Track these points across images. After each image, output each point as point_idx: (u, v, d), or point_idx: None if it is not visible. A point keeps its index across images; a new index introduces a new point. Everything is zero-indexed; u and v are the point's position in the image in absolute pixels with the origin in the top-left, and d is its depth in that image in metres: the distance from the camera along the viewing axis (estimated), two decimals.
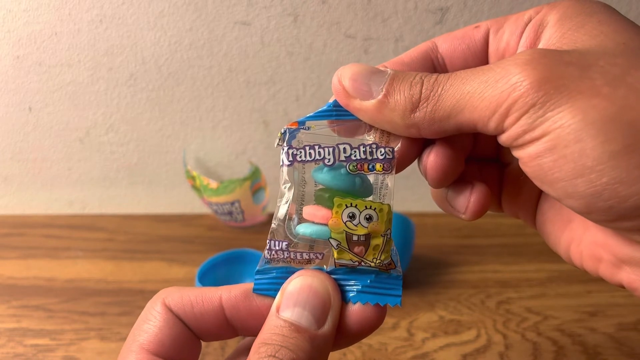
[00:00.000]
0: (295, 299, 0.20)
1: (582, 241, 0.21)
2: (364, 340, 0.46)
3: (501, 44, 0.21)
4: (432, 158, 0.22)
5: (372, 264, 0.21)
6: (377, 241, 0.21)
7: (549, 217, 0.23)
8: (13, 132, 0.64)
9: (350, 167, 0.21)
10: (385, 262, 0.21)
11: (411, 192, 0.68)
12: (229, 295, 0.21)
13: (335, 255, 0.21)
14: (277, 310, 0.19)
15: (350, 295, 0.21)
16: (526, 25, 0.21)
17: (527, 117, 0.17)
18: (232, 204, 0.60)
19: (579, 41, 0.18)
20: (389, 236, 0.21)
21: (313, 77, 0.60)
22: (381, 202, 0.21)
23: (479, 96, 0.18)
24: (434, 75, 0.19)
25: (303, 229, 0.21)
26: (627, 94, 0.16)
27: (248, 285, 0.21)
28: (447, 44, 0.22)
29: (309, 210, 0.22)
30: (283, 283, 0.21)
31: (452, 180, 0.23)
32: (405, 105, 0.19)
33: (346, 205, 0.21)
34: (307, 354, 0.19)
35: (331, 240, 0.21)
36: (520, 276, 0.54)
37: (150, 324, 0.20)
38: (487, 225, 0.62)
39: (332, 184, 0.21)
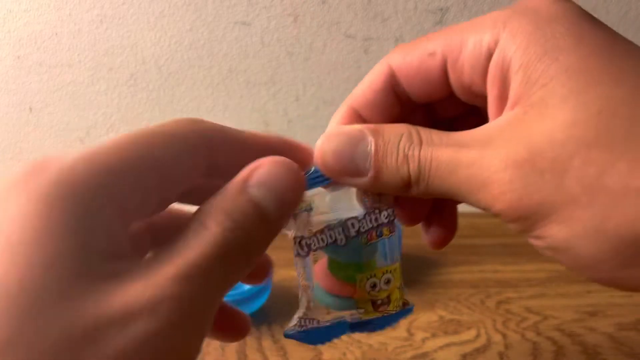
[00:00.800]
0: (266, 180, 0.18)
1: None
2: (364, 340, 0.46)
3: (465, 80, 0.21)
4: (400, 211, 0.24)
5: (393, 311, 0.23)
6: (396, 295, 0.23)
7: None
8: (13, 132, 0.64)
9: (362, 241, 0.22)
10: (401, 303, 0.24)
11: None
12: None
13: (363, 316, 0.23)
14: (245, 182, 0.18)
15: (373, 327, 0.24)
16: (487, 61, 0.19)
17: (518, 224, 0.18)
18: None
19: (550, 109, 0.17)
20: (402, 284, 0.23)
21: (313, 77, 0.60)
22: (393, 263, 0.23)
23: (467, 194, 0.19)
24: (417, 150, 0.19)
25: (328, 302, 0.23)
26: (606, 201, 0.16)
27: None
28: (403, 73, 0.22)
29: (327, 281, 0.23)
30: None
31: (420, 220, 0.25)
32: (398, 184, 0.20)
33: (367, 277, 0.22)
34: (261, 239, 0.18)
35: (359, 310, 0.23)
36: (520, 276, 0.54)
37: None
38: (487, 225, 0.62)
39: (346, 261, 0.22)
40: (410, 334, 0.47)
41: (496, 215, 0.19)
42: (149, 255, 0.17)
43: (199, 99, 0.61)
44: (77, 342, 0.14)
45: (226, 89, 0.61)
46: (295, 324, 0.22)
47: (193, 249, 0.16)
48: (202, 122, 0.19)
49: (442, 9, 0.56)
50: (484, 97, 0.20)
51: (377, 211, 0.22)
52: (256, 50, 0.58)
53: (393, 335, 0.46)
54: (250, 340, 0.47)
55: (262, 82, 0.60)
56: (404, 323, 0.48)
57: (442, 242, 0.25)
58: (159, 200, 0.18)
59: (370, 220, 0.22)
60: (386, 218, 0.22)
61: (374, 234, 0.22)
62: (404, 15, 0.56)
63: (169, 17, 0.56)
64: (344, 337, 0.47)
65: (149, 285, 0.15)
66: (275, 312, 0.50)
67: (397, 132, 0.20)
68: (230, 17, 0.56)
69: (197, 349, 0.17)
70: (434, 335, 0.46)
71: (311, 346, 0.46)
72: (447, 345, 0.45)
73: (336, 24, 0.56)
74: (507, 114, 0.19)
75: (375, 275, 0.22)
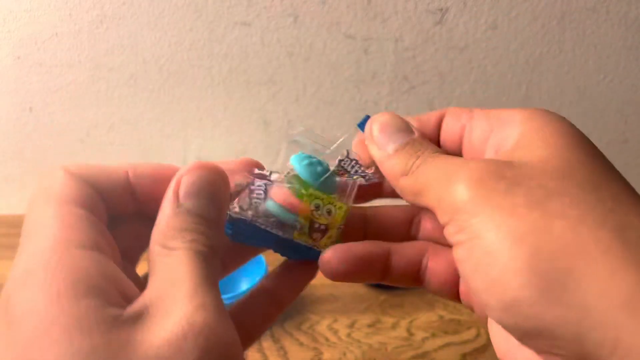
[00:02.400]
0: (193, 189, 0.20)
1: (517, 357, 0.21)
2: (364, 340, 0.46)
3: (473, 142, 0.24)
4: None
5: (322, 248, 0.24)
6: (332, 232, 0.25)
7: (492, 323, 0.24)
8: (14, 132, 0.64)
9: (334, 170, 0.25)
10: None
11: None
12: (136, 168, 0.22)
13: (295, 235, 0.24)
14: (177, 199, 0.20)
15: (294, 254, 0.25)
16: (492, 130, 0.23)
17: (456, 220, 0.19)
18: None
19: (532, 146, 0.20)
20: (342, 229, 0.25)
21: (313, 77, 0.60)
22: (344, 203, 0.25)
23: (433, 189, 0.21)
24: (425, 154, 0.23)
25: (275, 209, 0.24)
26: (540, 218, 0.17)
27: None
28: (447, 119, 0.25)
29: (279, 193, 0.24)
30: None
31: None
32: (398, 170, 0.23)
33: (315, 197, 0.24)
34: (217, 235, 0.20)
35: (297, 222, 0.24)
36: None
37: (57, 180, 0.20)
38: None
39: (305, 178, 0.24)
40: (410, 333, 0.47)
41: (443, 213, 0.20)
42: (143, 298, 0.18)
43: (199, 99, 0.61)
44: None
45: (226, 89, 0.61)
46: (235, 210, 0.24)
47: (183, 279, 0.18)
48: (78, 167, 0.20)
49: (442, 9, 0.56)
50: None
51: (359, 166, 0.25)
52: (256, 50, 0.58)
53: (393, 335, 0.47)
54: None
55: (262, 82, 0.60)
56: (404, 323, 0.48)
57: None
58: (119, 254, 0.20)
59: (350, 166, 0.25)
60: (367, 179, 0.25)
61: (345, 175, 0.25)
62: (404, 15, 0.56)
63: (169, 17, 0.56)
64: (343, 337, 0.47)
65: (170, 329, 0.16)
66: None
67: (433, 146, 0.23)
68: (230, 17, 0.56)
69: (237, 341, 0.18)
70: (433, 335, 0.46)
71: (312, 346, 0.46)
72: (447, 345, 0.45)
73: (336, 24, 0.56)
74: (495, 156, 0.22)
75: (322, 200, 0.24)
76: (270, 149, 0.65)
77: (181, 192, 0.20)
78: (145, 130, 0.63)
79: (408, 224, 0.26)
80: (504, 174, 0.19)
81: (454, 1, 0.55)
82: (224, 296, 0.48)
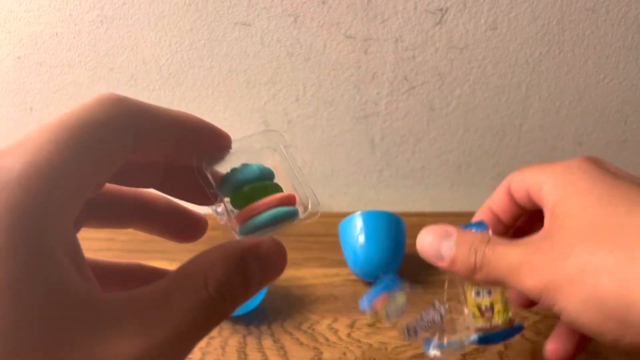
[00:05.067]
0: (264, 257, 0.21)
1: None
2: (364, 340, 0.46)
3: (533, 199, 0.31)
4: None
5: (500, 322, 0.31)
6: (498, 307, 0.31)
7: None
8: (14, 133, 0.64)
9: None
10: (507, 318, 0.31)
11: (410, 191, 0.68)
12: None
13: (474, 321, 0.31)
14: (244, 253, 0.21)
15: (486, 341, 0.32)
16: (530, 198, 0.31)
17: (544, 298, 0.26)
18: None
19: (565, 220, 0.27)
20: (505, 302, 0.31)
21: (313, 78, 0.60)
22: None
23: (511, 279, 0.27)
24: (482, 248, 0.28)
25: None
26: (594, 279, 0.24)
27: None
28: (514, 188, 0.32)
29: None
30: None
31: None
32: (467, 270, 0.29)
33: (472, 286, 0.31)
34: (239, 303, 0.21)
35: (472, 312, 0.32)
36: None
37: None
38: None
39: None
40: None
41: (528, 293, 0.27)
42: (129, 294, 0.18)
43: (199, 99, 0.61)
44: None
45: (226, 89, 0.61)
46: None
47: (188, 311, 0.18)
48: (126, 101, 0.20)
49: (441, 10, 0.56)
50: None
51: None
52: (256, 50, 0.58)
53: (393, 335, 0.47)
54: (250, 340, 0.47)
55: (262, 83, 0.60)
56: None
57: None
58: (95, 187, 0.19)
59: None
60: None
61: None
62: (404, 15, 0.56)
63: (169, 17, 0.56)
64: (343, 337, 0.47)
65: (149, 346, 0.16)
66: (275, 311, 0.50)
67: (475, 236, 0.29)
68: (230, 17, 0.56)
69: None
70: (433, 335, 0.46)
71: (312, 346, 0.46)
72: None
73: (336, 24, 0.56)
74: (542, 230, 0.28)
75: (478, 285, 0.31)
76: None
77: (253, 253, 0.22)
78: None
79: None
80: (554, 252, 0.26)
81: (453, 1, 0.55)
82: None
